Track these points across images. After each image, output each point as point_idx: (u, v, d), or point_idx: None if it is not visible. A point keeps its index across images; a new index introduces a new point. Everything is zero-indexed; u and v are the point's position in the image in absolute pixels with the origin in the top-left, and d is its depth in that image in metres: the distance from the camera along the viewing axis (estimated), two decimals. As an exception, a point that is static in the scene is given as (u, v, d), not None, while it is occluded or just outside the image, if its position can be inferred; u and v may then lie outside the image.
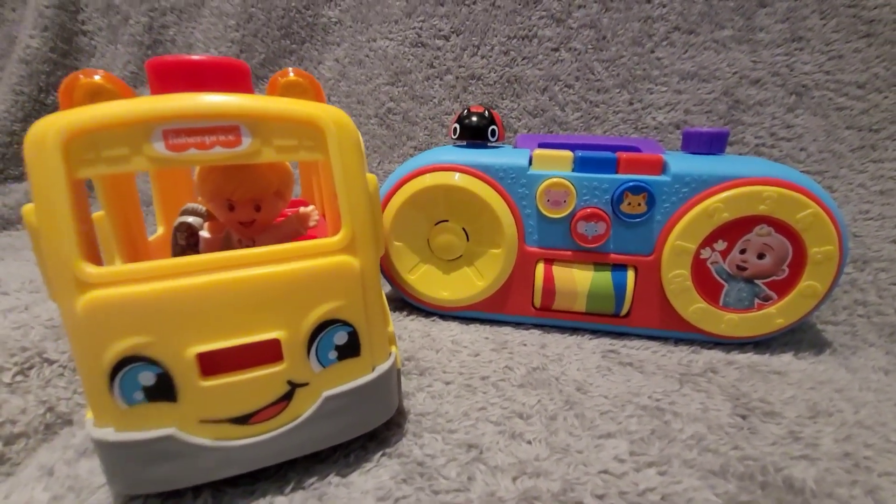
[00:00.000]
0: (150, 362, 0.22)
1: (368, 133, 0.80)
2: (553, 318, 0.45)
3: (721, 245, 0.40)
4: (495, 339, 0.43)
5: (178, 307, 0.22)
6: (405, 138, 0.79)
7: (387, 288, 0.51)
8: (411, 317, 0.48)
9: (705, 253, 0.40)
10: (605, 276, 0.42)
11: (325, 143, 0.24)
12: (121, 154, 0.21)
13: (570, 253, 0.43)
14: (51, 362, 0.35)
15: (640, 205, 0.40)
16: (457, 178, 0.44)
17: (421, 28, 0.78)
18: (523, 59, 0.76)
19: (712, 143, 0.42)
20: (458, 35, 0.77)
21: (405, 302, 0.50)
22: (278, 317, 0.23)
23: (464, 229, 0.46)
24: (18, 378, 0.33)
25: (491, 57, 0.77)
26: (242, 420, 0.23)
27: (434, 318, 0.48)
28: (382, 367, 0.27)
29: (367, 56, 0.81)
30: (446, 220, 0.45)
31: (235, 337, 0.23)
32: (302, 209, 0.31)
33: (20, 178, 0.86)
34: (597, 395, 0.34)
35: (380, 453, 0.28)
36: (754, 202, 0.38)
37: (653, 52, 0.70)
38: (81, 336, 0.21)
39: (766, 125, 0.65)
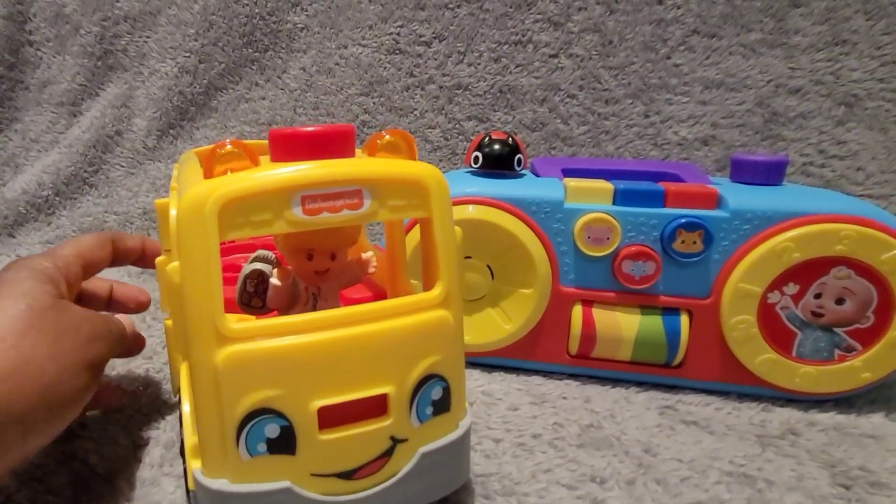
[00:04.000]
0: (278, 415, 0.29)
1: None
2: (592, 367, 0.55)
3: (792, 288, 0.49)
4: (529, 390, 0.53)
5: (305, 362, 0.30)
6: (383, 154, 0.88)
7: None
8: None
9: (773, 297, 0.49)
10: (655, 321, 0.52)
11: (430, 201, 0.33)
12: (265, 218, 0.30)
13: (612, 294, 0.53)
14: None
15: (695, 243, 0.50)
16: (470, 210, 0.53)
17: (398, 34, 0.89)
18: (517, 66, 0.87)
19: (770, 173, 0.53)
20: (440, 41, 0.88)
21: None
22: (388, 371, 0.31)
23: (488, 266, 0.55)
24: None
25: (479, 65, 0.88)
26: (347, 475, 0.31)
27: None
28: (464, 424, 0.36)
29: (338, 64, 0.91)
30: (468, 257, 0.54)
31: (351, 392, 0.30)
32: (363, 255, 0.40)
33: None
34: (669, 458, 0.43)
35: (461, 516, 0.37)
36: (830, 242, 0.46)
37: (668, 58, 0.82)
38: (219, 387, 0.29)
39: (812, 140, 0.77)
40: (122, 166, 0.96)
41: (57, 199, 0.93)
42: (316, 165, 0.31)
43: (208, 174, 0.31)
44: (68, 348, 0.35)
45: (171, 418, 0.48)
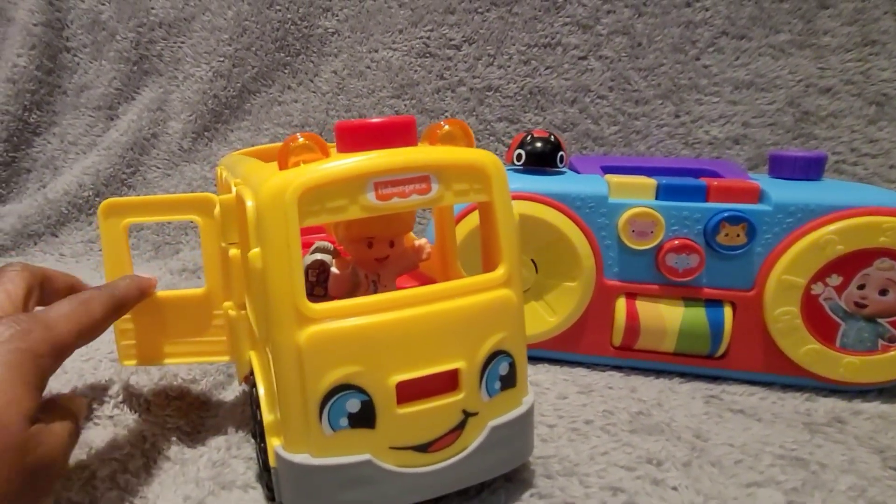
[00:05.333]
0: (358, 390, 0.31)
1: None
2: (636, 358, 0.56)
3: (835, 280, 0.50)
4: (575, 380, 0.54)
5: (383, 339, 0.32)
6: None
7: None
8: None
9: (817, 288, 0.51)
10: (699, 313, 0.53)
11: (490, 186, 0.35)
12: (340, 204, 0.32)
13: (656, 287, 0.54)
14: (137, 395, 0.47)
15: (738, 236, 0.51)
16: (515, 206, 0.54)
17: (429, 37, 0.91)
18: (546, 68, 0.89)
19: (809, 168, 0.54)
20: (470, 44, 0.91)
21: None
22: (459, 348, 0.33)
23: (532, 261, 0.57)
24: (116, 411, 0.45)
25: (509, 67, 0.90)
26: (423, 448, 0.33)
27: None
28: (528, 400, 0.37)
29: (369, 67, 0.94)
30: (514, 252, 0.56)
31: (426, 367, 0.32)
32: (417, 242, 0.42)
33: (3, 199, 0.99)
34: (720, 442, 0.44)
35: (528, 493, 0.38)
36: (873, 234, 0.48)
37: (698, 59, 0.84)
38: (302, 366, 0.31)
39: (844, 139, 0.79)
40: (159, 168, 0.99)
41: (97, 199, 0.96)
42: (386, 153, 0.33)
43: (283, 166, 0.33)
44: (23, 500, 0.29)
45: (228, 405, 0.50)
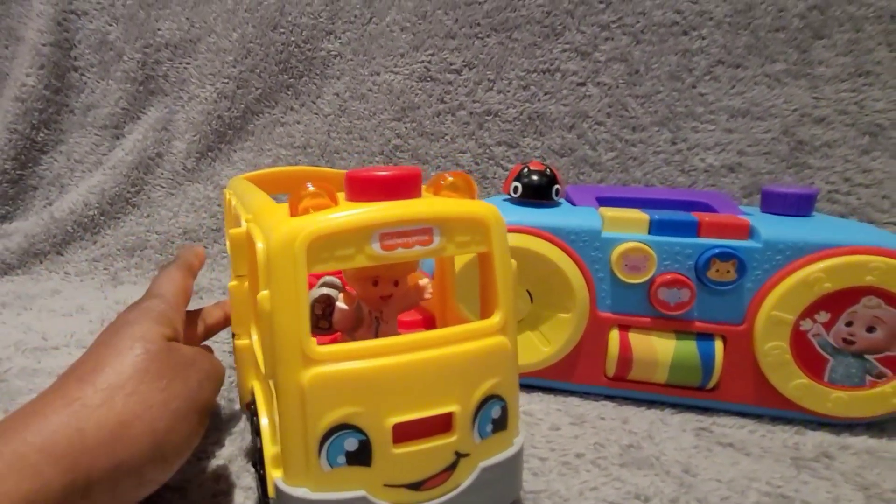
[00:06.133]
0: (357, 430, 0.32)
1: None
2: (628, 388, 0.57)
3: (823, 317, 0.51)
4: (568, 411, 0.55)
5: (383, 382, 0.33)
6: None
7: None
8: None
9: (805, 324, 0.52)
10: (690, 346, 0.54)
11: (490, 237, 0.37)
12: (347, 253, 0.33)
13: (648, 319, 0.56)
14: None
15: (728, 272, 0.52)
16: (511, 238, 0.55)
17: (430, 62, 0.93)
18: (545, 94, 0.90)
19: (800, 205, 0.56)
20: (470, 69, 0.92)
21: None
22: (455, 392, 0.34)
23: (528, 291, 0.58)
24: None
25: (509, 92, 0.91)
26: (416, 486, 0.34)
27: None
28: (519, 441, 0.38)
29: (371, 90, 0.95)
30: (510, 283, 0.57)
31: (422, 410, 0.33)
32: (421, 282, 0.43)
33: (9, 217, 1.02)
34: (708, 478, 0.45)
35: (516, 530, 0.39)
36: (860, 273, 0.49)
37: (694, 87, 0.86)
38: (305, 405, 0.32)
39: (837, 169, 0.80)
40: (163, 187, 1.00)
41: (102, 218, 0.98)
42: (392, 206, 0.34)
43: (294, 212, 0.34)
44: (181, 394, 0.37)
45: (229, 433, 0.51)
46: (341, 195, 0.36)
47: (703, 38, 0.84)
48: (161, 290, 0.44)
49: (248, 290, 0.41)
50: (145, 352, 0.36)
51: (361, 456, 0.33)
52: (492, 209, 0.37)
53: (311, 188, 0.34)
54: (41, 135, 1.02)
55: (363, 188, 0.35)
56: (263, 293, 0.33)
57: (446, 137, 0.93)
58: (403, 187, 0.35)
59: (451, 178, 0.38)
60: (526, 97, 0.91)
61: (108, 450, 0.32)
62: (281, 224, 0.33)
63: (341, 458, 0.33)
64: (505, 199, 0.62)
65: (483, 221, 0.36)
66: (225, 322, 0.53)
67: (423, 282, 0.43)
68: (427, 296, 0.43)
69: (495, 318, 0.37)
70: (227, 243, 0.41)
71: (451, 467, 0.35)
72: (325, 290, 0.43)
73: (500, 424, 0.37)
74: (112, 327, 0.39)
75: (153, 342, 0.37)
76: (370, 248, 0.33)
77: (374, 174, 0.35)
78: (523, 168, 0.61)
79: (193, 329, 0.50)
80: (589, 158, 0.88)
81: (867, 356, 0.52)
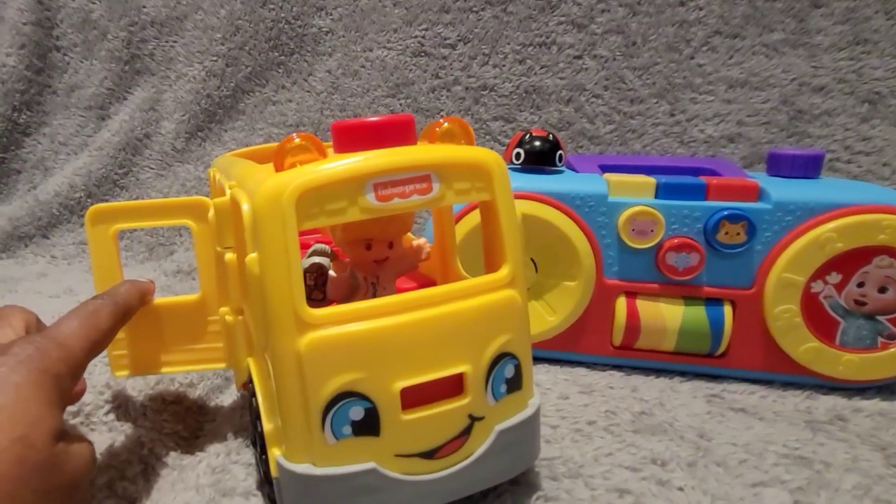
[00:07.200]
0: (362, 397, 0.30)
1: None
2: (636, 357, 0.56)
3: (835, 278, 0.50)
4: (576, 380, 0.54)
5: (386, 344, 0.30)
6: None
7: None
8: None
9: (817, 286, 0.50)
10: (699, 312, 0.53)
11: (493, 184, 0.34)
12: (339, 207, 0.30)
13: (656, 286, 0.54)
14: (133, 400, 0.47)
15: (738, 234, 0.51)
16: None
17: (423, 36, 0.90)
18: (542, 67, 0.88)
19: (808, 167, 0.54)
20: (465, 43, 0.90)
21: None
22: (464, 351, 0.32)
23: (532, 260, 0.56)
24: (111, 417, 0.44)
25: (504, 66, 0.89)
26: (429, 455, 0.32)
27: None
28: (535, 402, 0.36)
29: (363, 67, 0.93)
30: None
31: (430, 372, 0.31)
32: (416, 242, 0.41)
33: None
34: (724, 442, 0.44)
35: (534, 496, 0.37)
36: (872, 231, 0.48)
37: (692, 58, 0.84)
38: (303, 373, 0.29)
39: (837, 137, 0.78)
40: (152, 168, 0.98)
41: (89, 200, 0.95)
42: (386, 153, 0.32)
43: (279, 167, 0.32)
44: None
45: (226, 410, 0.49)
46: (331, 150, 0.34)
47: (701, 9, 0.82)
48: (69, 338, 0.33)
49: (237, 260, 0.38)
50: (19, 462, 0.27)
51: (369, 425, 0.31)
52: (493, 154, 0.35)
53: (297, 141, 0.32)
54: (23, 117, 0.99)
55: (352, 137, 0.32)
56: (252, 256, 0.30)
57: (442, 113, 0.90)
58: (396, 134, 0.33)
59: (446, 125, 0.36)
60: (522, 71, 0.88)
61: None
62: (266, 181, 0.31)
63: (347, 429, 0.31)
64: (508, 167, 0.60)
65: (484, 167, 0.34)
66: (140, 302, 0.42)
67: (420, 241, 0.41)
68: (425, 256, 0.41)
69: (503, 271, 0.34)
70: (212, 216, 0.38)
71: (466, 432, 0.33)
72: (316, 259, 0.40)
73: (515, 384, 0.35)
74: None
75: (36, 448, 0.27)
76: (364, 199, 0.31)
77: (363, 121, 0.32)
78: (525, 135, 0.59)
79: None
80: (587, 132, 0.86)
81: (879, 317, 0.50)
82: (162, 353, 0.44)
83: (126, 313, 0.38)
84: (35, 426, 0.28)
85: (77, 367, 0.33)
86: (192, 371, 0.51)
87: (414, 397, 0.31)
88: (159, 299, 0.43)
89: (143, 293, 0.41)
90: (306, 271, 0.40)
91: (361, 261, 0.38)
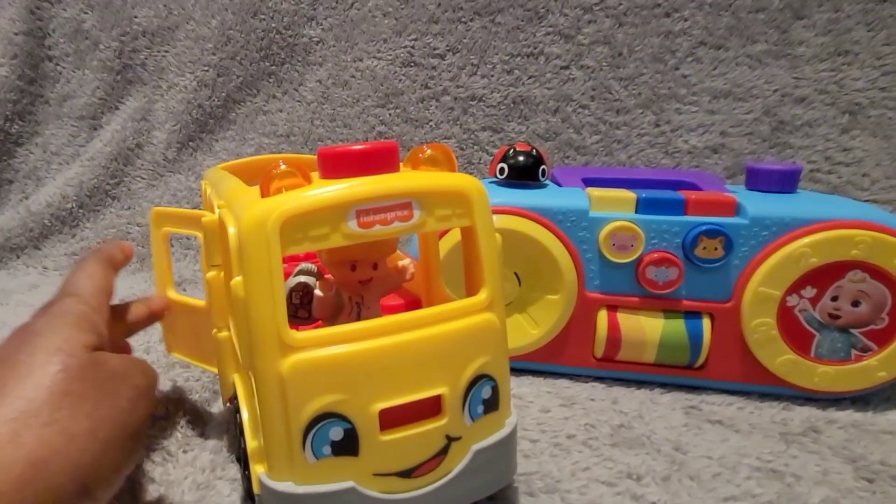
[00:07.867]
0: (341, 418, 0.31)
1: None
2: (617, 369, 0.57)
3: (809, 292, 0.51)
4: (558, 393, 0.54)
5: (366, 367, 0.31)
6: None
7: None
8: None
9: (792, 300, 0.51)
10: (678, 325, 0.54)
11: (472, 211, 0.35)
12: (323, 233, 0.31)
13: (636, 299, 0.55)
14: None
15: (716, 249, 0.51)
16: (498, 220, 0.54)
17: (413, 47, 0.91)
18: (529, 78, 0.89)
19: (784, 181, 0.55)
20: (454, 53, 0.90)
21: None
22: (442, 373, 0.33)
23: (515, 274, 0.57)
24: None
25: (493, 76, 0.90)
26: (407, 474, 0.33)
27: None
28: (511, 422, 0.37)
29: (353, 77, 0.93)
30: (496, 266, 0.56)
31: (409, 394, 0.32)
32: (401, 263, 0.41)
33: None
34: (699, 455, 0.44)
35: (509, 513, 0.38)
36: (846, 247, 0.48)
37: (677, 69, 0.84)
38: (285, 394, 0.30)
39: (818, 148, 0.79)
40: (143, 178, 0.98)
41: (81, 211, 0.95)
42: (369, 181, 0.33)
43: (265, 192, 0.33)
44: (110, 417, 0.31)
45: (214, 424, 0.49)
46: (316, 175, 0.35)
47: (686, 20, 0.83)
48: (78, 288, 0.38)
49: (224, 279, 0.39)
50: (64, 368, 0.30)
51: (348, 445, 0.32)
52: (473, 181, 0.36)
53: (282, 167, 0.32)
54: (15, 127, 0.99)
55: (337, 164, 0.33)
56: (236, 279, 0.31)
57: (431, 123, 0.91)
58: (379, 161, 0.34)
59: (429, 152, 0.36)
60: (510, 81, 0.89)
61: (14, 499, 0.26)
62: (252, 206, 0.32)
63: (327, 449, 0.32)
64: (491, 182, 0.61)
65: (465, 194, 0.35)
66: (148, 320, 0.47)
67: (405, 262, 0.42)
68: (409, 277, 0.41)
69: (482, 295, 0.35)
70: (200, 236, 0.39)
71: (443, 452, 0.34)
72: (303, 279, 0.41)
73: (492, 405, 0.36)
74: (18, 337, 0.33)
75: (74, 354, 0.31)
76: (347, 226, 0.32)
77: (348, 149, 0.33)
78: (509, 149, 0.59)
79: (118, 330, 0.43)
80: (573, 142, 0.87)
81: (853, 330, 0.51)
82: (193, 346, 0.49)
83: (109, 260, 0.43)
84: (68, 341, 0.32)
85: (93, 300, 0.38)
86: (180, 383, 0.53)
87: (392, 418, 0.32)
88: (191, 298, 0.48)
89: (121, 248, 0.46)
90: (292, 290, 0.41)
91: (346, 281, 0.39)
